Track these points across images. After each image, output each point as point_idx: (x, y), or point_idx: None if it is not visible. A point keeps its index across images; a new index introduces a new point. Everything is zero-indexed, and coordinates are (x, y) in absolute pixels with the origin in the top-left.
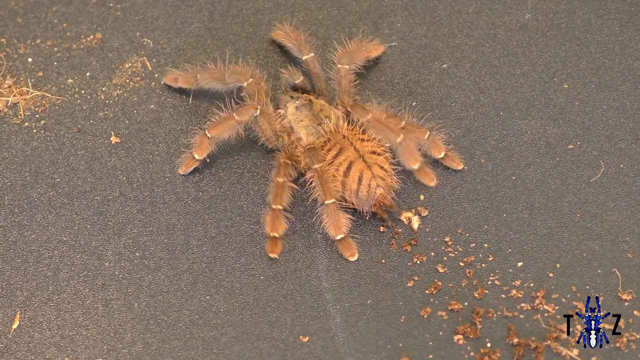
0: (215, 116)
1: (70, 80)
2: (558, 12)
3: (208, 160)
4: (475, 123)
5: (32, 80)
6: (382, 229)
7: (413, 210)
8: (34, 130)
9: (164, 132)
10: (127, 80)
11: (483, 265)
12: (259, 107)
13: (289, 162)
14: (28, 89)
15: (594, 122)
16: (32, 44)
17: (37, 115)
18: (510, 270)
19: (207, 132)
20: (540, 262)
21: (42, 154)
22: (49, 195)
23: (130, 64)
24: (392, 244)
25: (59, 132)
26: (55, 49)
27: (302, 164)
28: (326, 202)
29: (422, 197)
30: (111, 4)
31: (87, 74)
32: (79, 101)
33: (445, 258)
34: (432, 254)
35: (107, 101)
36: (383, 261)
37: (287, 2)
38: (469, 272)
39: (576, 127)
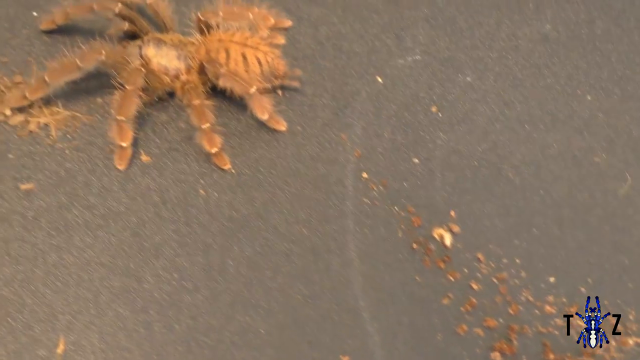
0: (58, 60)
1: (99, 100)
2: (578, 22)
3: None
4: (501, 137)
5: (62, 100)
6: (414, 246)
7: (444, 227)
8: (67, 151)
9: (195, 150)
10: (155, 99)
11: (516, 281)
12: (103, 50)
13: (142, 70)
14: (58, 109)
15: (618, 134)
16: None
17: (68, 136)
18: (543, 286)
19: (45, 77)
20: (572, 277)
21: (76, 175)
22: (85, 217)
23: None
24: (426, 261)
25: (91, 153)
26: None
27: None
28: (202, 127)
29: (452, 214)
30: None
31: (116, 93)
32: (109, 121)
33: (479, 274)
34: (465, 270)
35: (138, 120)
36: (417, 278)
37: (310, 17)
38: (502, 289)
39: (601, 139)
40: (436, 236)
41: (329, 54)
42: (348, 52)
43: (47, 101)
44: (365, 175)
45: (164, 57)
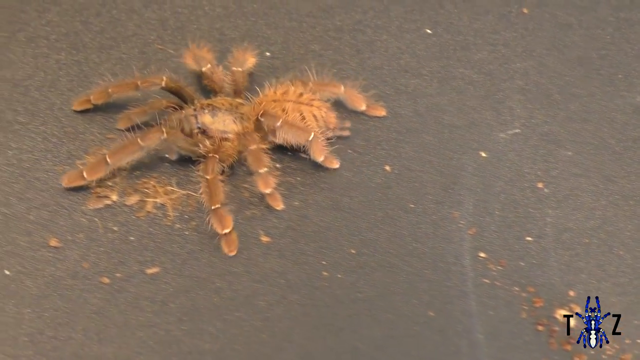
0: (118, 139)
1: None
2: None
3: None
4: (607, 213)
5: (175, 178)
6: (540, 327)
7: (566, 307)
8: (186, 232)
9: (311, 229)
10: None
11: None
12: (164, 129)
13: (216, 156)
14: (173, 189)
15: None
16: None
17: (185, 216)
18: None
19: (107, 158)
20: None
21: (199, 257)
22: (212, 301)
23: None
24: (552, 343)
25: (210, 233)
26: None
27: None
28: (260, 171)
29: (571, 293)
30: None
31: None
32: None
33: (604, 356)
34: (592, 352)
35: (252, 199)
36: None
37: (407, 88)
38: None
39: None
40: (559, 317)
41: (431, 127)
42: (449, 126)
43: (160, 180)
44: (482, 254)
45: (221, 123)
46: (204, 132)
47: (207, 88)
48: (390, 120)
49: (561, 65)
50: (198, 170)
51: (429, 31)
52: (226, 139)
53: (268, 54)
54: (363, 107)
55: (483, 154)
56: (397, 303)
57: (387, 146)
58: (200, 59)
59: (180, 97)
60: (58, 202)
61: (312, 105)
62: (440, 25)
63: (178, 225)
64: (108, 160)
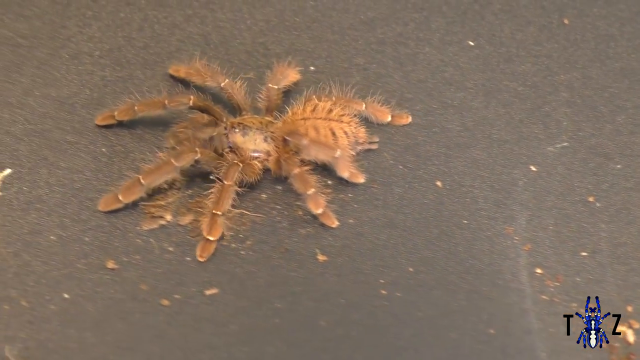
0: (153, 161)
1: (263, 196)
2: None
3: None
4: None
5: None
6: (603, 345)
7: (625, 323)
8: (242, 252)
9: (367, 247)
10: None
11: None
12: (198, 149)
13: (240, 165)
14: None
15: None
16: None
17: (240, 235)
18: None
19: (141, 179)
20: None
21: (257, 277)
22: (273, 321)
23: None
24: (613, 359)
25: (266, 253)
26: None
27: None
28: (308, 193)
29: (630, 309)
30: None
31: (279, 187)
32: (277, 218)
33: None
34: None
35: (306, 216)
36: None
37: (453, 102)
38: None
39: None
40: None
41: (480, 142)
42: (498, 140)
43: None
44: (539, 270)
45: (252, 142)
46: (234, 150)
47: (229, 103)
48: (439, 135)
49: (605, 77)
50: (218, 174)
51: (471, 43)
52: (256, 158)
53: (312, 68)
54: (388, 119)
55: (533, 168)
56: (458, 321)
57: (438, 161)
58: (216, 75)
59: (209, 116)
60: (112, 223)
61: (342, 122)
62: (482, 37)
63: (234, 245)
64: (142, 181)
